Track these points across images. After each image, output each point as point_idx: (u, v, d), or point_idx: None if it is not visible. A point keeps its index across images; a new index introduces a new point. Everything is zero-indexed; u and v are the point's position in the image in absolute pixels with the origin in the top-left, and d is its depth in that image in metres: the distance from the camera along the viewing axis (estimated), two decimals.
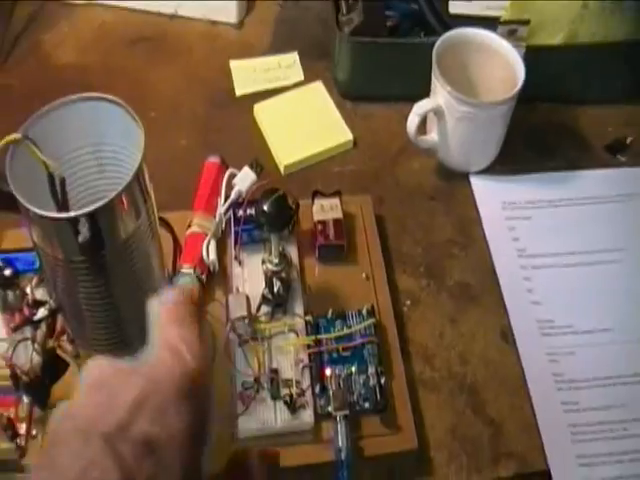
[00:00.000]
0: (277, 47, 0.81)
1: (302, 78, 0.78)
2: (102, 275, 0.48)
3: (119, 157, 0.53)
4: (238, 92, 0.76)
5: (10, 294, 0.53)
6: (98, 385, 0.32)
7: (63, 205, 0.51)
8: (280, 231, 0.54)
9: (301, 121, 0.73)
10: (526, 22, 0.70)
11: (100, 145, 0.53)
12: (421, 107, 0.67)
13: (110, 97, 0.50)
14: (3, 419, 0.49)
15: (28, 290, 0.54)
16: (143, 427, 0.29)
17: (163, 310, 0.36)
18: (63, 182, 0.50)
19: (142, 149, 0.47)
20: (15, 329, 0.49)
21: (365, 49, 0.73)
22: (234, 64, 0.79)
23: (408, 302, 0.61)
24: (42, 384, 0.50)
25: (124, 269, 0.48)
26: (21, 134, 0.48)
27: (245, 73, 0.78)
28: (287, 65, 0.80)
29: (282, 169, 0.69)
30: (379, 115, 0.75)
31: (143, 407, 0.30)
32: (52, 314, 0.49)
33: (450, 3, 0.75)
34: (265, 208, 0.53)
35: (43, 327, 0.51)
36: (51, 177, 0.50)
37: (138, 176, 0.47)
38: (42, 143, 0.48)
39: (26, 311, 0.53)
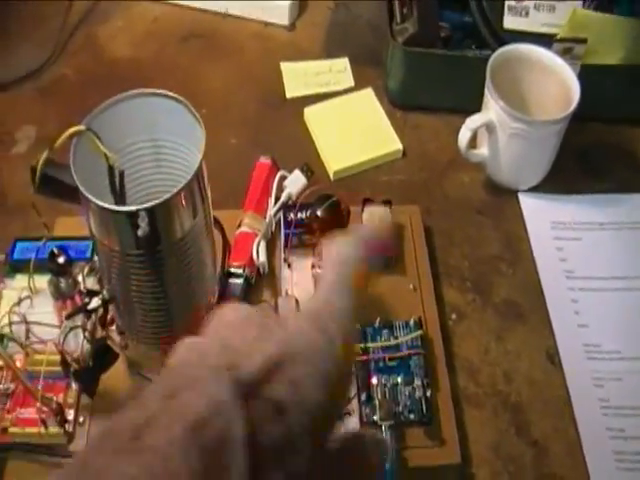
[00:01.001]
0: (328, 51, 0.82)
1: (352, 84, 0.79)
2: (155, 270, 0.48)
3: (176, 153, 0.54)
4: (289, 94, 0.77)
5: (63, 281, 0.54)
6: (233, 327, 0.30)
7: (120, 198, 0.51)
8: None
9: (351, 127, 0.73)
10: (583, 40, 0.70)
11: (158, 140, 0.54)
12: (473, 121, 0.67)
13: (173, 94, 0.51)
14: (53, 404, 0.50)
15: (80, 278, 0.54)
16: (276, 390, 0.27)
17: (339, 266, 0.32)
18: (122, 175, 0.51)
19: (203, 149, 0.48)
20: (68, 317, 0.50)
21: (418, 59, 0.74)
22: (285, 66, 0.80)
23: (454, 316, 0.61)
24: (91, 373, 0.50)
25: (177, 266, 0.49)
26: (84, 126, 0.48)
27: (296, 76, 0.79)
28: (338, 70, 0.80)
29: (331, 174, 0.70)
30: (428, 126, 0.76)
31: (279, 370, 0.28)
32: (105, 304, 0.50)
33: (505, 18, 0.75)
34: (319, 213, 0.54)
35: (95, 317, 0.51)
36: (111, 170, 0.50)
37: (198, 175, 0.47)
38: (102, 136, 0.49)
39: (77, 299, 0.54)
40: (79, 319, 0.52)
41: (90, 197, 0.45)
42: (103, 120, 0.50)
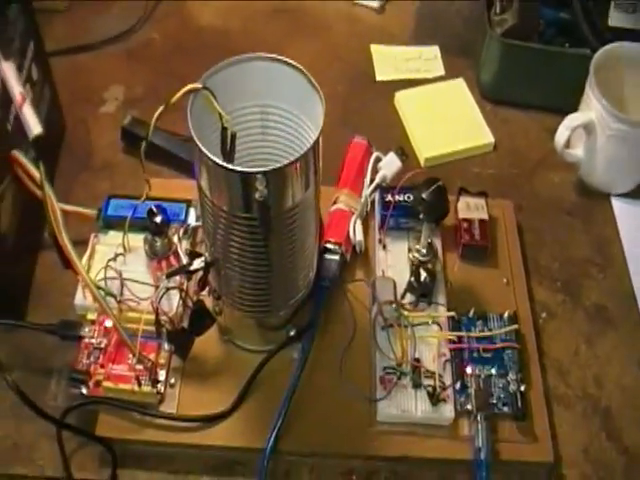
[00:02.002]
0: (417, 38, 0.83)
1: (443, 73, 0.79)
2: (261, 236, 0.49)
3: (284, 121, 0.54)
4: (378, 77, 0.78)
5: (158, 241, 0.55)
6: None
7: (229, 160, 0.52)
8: (435, 221, 0.55)
9: (442, 116, 0.74)
10: None
11: (266, 107, 0.54)
12: (573, 120, 0.68)
13: (292, 62, 0.51)
14: (148, 363, 0.50)
15: (175, 240, 0.55)
16: None
17: None
18: (234, 137, 0.52)
19: (322, 120, 0.48)
20: (169, 276, 0.51)
21: (516, 52, 0.74)
22: (375, 48, 0.81)
23: (544, 314, 0.62)
24: (186, 335, 0.51)
25: (283, 235, 0.50)
26: (201, 85, 0.49)
27: (386, 59, 0.80)
28: (428, 58, 0.81)
29: (422, 161, 0.70)
30: (518, 122, 0.76)
31: None
32: (207, 267, 0.50)
33: (611, 14, 0.75)
34: (424, 196, 0.54)
35: (194, 279, 0.52)
36: (223, 131, 0.51)
37: (315, 147, 0.47)
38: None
39: (172, 260, 0.54)
40: (174, 280, 0.53)
41: (210, 155, 0.46)
42: (217, 81, 0.51)
